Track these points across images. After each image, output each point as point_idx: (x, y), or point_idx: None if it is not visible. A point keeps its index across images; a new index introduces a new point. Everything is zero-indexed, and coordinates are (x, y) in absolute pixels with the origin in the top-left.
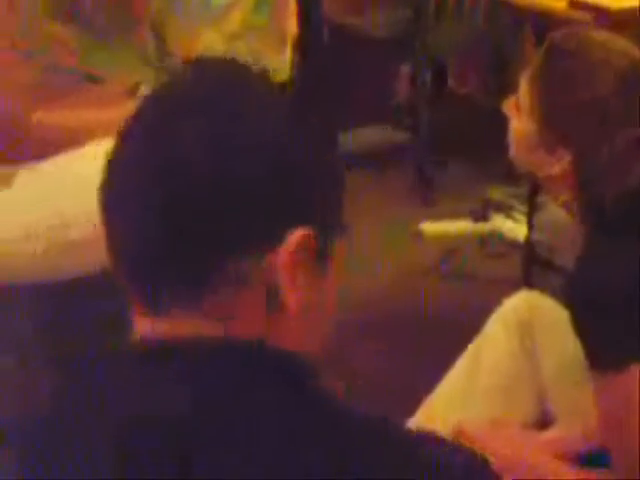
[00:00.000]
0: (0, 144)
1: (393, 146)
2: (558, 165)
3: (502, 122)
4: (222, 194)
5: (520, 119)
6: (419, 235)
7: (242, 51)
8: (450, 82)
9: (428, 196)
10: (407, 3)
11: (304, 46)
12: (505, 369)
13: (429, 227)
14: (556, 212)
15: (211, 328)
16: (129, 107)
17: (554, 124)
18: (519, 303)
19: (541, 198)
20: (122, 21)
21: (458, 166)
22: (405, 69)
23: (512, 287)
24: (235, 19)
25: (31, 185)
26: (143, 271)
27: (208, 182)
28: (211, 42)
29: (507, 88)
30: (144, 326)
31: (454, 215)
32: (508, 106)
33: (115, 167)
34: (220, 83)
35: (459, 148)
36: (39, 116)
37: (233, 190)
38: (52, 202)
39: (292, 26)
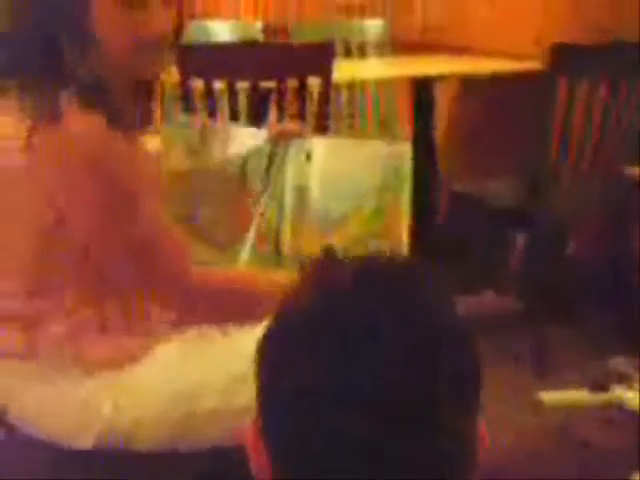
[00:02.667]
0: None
1: (509, 313)
2: None
3: (622, 290)
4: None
5: None
6: (538, 403)
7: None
8: (569, 249)
9: (545, 364)
10: (524, 172)
11: (418, 212)
12: None
13: (548, 396)
14: None
15: None
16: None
17: None
18: None
19: None
20: (239, 234)
21: (575, 334)
22: (521, 237)
23: (635, 459)
24: (353, 228)
25: (174, 352)
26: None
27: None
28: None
29: (628, 255)
30: None
31: (573, 383)
32: None
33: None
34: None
35: (577, 316)
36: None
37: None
38: (193, 369)
39: (407, 223)
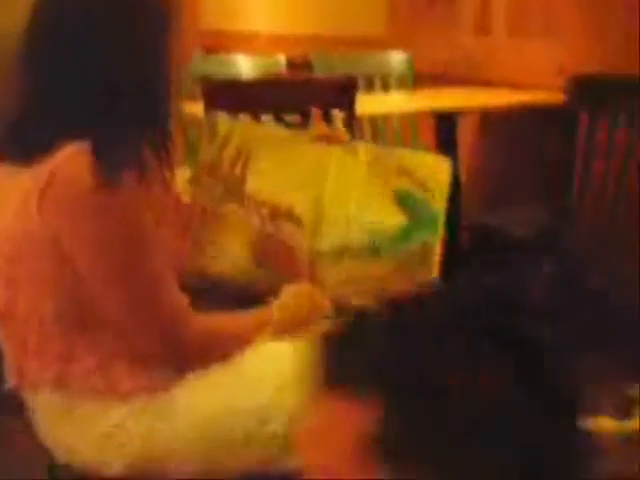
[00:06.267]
0: (163, 347)
1: None
2: None
3: None
4: None
5: None
6: None
7: None
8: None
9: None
10: (545, 201)
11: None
12: None
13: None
14: None
15: None
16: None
17: None
18: None
19: None
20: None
21: (597, 361)
22: (545, 268)
23: None
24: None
25: (206, 380)
26: None
27: None
28: None
29: None
30: None
31: (595, 412)
32: None
33: None
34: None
35: (600, 345)
36: (201, 320)
37: None
38: (224, 395)
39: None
